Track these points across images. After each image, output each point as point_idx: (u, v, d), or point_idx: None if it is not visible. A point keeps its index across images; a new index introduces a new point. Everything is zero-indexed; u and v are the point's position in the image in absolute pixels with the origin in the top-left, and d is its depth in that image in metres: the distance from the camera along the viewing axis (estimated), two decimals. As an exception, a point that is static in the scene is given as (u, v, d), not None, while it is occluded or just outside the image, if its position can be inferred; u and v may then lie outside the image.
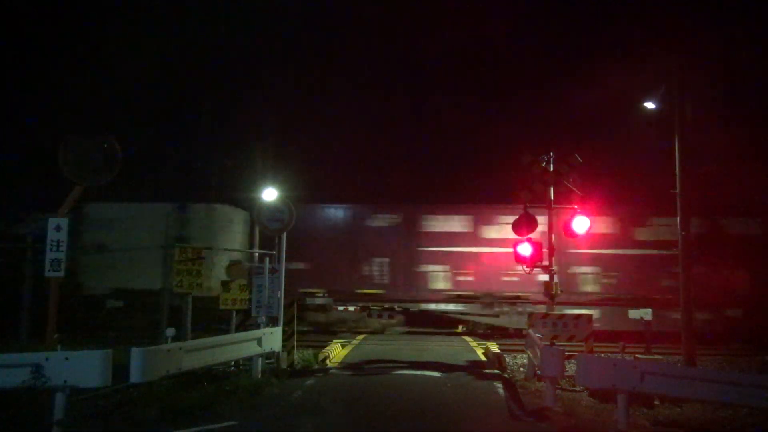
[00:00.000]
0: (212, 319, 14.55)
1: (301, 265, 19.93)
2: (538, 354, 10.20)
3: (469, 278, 20.69)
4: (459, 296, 20.63)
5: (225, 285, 12.40)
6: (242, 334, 11.38)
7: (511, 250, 14.41)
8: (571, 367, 10.68)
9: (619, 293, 19.62)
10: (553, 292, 14.11)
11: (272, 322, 12.33)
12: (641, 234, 20.21)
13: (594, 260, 20.17)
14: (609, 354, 13.80)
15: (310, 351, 14.03)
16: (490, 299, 20.23)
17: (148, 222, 19.09)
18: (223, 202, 21.19)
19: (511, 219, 14.37)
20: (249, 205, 17.19)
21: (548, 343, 11.25)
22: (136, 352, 7.91)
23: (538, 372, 10.46)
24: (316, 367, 12.93)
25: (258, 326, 12.03)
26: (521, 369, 12.98)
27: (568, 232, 14.02)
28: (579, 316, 13.35)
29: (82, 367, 7.35)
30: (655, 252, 19.34)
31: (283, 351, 12.24)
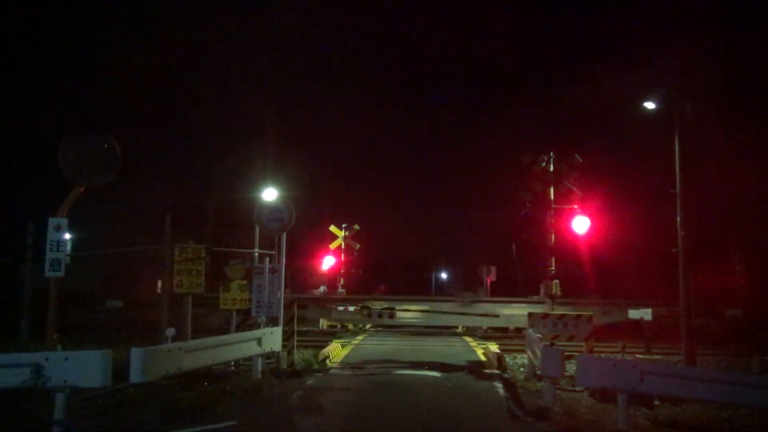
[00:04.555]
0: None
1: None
2: (538, 354, 10.20)
3: None
4: None
5: (225, 285, 12.40)
6: (242, 334, 11.38)
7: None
8: (571, 367, 10.67)
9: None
10: (553, 292, 14.13)
11: (272, 322, 12.33)
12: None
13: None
14: (609, 354, 13.80)
15: (310, 351, 14.04)
16: None
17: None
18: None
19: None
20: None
21: (548, 343, 11.25)
22: (136, 352, 7.91)
23: (538, 372, 10.46)
24: (316, 367, 12.92)
25: (258, 326, 12.04)
26: (521, 369, 12.97)
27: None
28: (579, 316, 13.35)
29: (82, 367, 7.35)
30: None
31: (283, 351, 12.23)
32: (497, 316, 21.03)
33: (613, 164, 27.48)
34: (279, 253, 12.88)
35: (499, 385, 11.20)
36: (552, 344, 10.98)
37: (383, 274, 38.68)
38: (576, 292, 22.11)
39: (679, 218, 12.24)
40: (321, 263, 29.11)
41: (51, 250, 9.62)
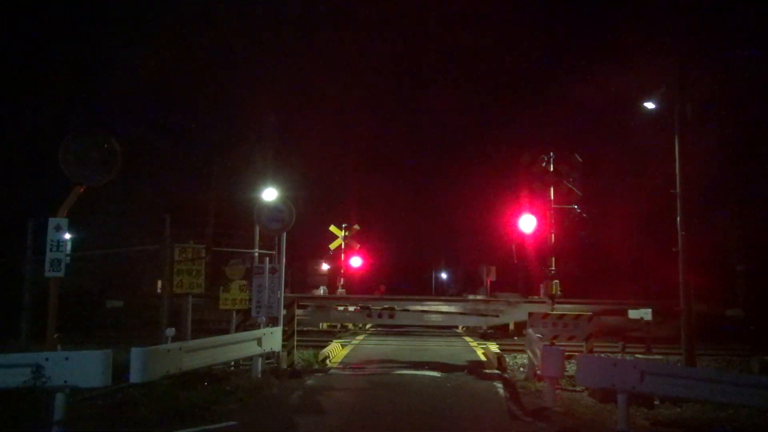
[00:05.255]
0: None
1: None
2: (538, 354, 10.20)
3: None
4: None
5: (225, 285, 12.39)
6: (242, 334, 11.38)
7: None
8: (571, 367, 10.68)
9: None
10: (553, 292, 14.13)
11: (272, 322, 12.34)
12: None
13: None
14: (609, 354, 13.80)
15: (310, 351, 14.05)
16: None
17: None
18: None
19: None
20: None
21: (548, 343, 11.26)
22: (136, 352, 7.91)
23: (538, 372, 10.46)
24: (316, 367, 12.93)
25: (258, 326, 12.04)
26: (521, 369, 12.97)
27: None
28: (579, 316, 13.35)
29: (82, 367, 7.35)
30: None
31: (283, 351, 12.24)
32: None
33: (613, 164, 27.47)
34: (279, 253, 12.88)
35: (499, 385, 11.20)
36: (552, 344, 10.98)
37: (383, 275, 38.71)
38: (577, 293, 22.14)
39: (679, 218, 12.26)
40: (322, 263, 29.18)
41: (51, 250, 9.61)
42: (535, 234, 14.58)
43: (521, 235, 14.72)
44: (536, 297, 21.03)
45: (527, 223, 14.39)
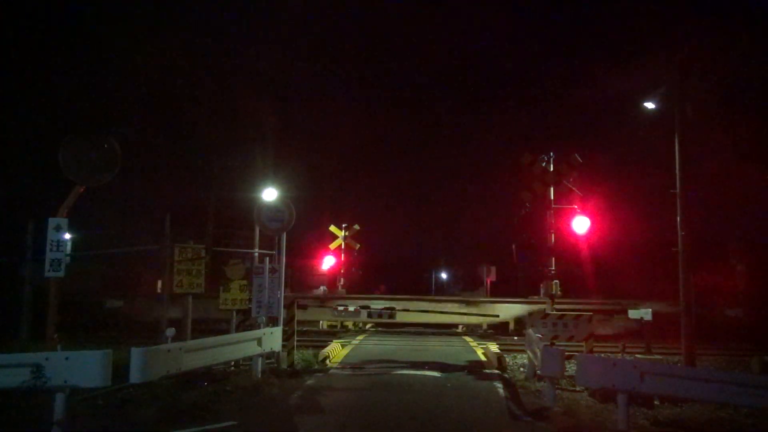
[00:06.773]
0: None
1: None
2: (538, 354, 10.20)
3: None
4: None
5: (225, 285, 12.40)
6: (242, 334, 11.39)
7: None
8: (571, 367, 10.68)
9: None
10: (553, 292, 14.11)
11: (272, 322, 12.34)
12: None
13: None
14: (609, 354, 13.80)
15: (310, 351, 14.05)
16: None
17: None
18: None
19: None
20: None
21: (548, 343, 11.25)
22: (136, 352, 7.91)
23: (538, 372, 10.46)
24: (316, 367, 12.93)
25: (258, 326, 12.04)
26: (521, 369, 12.98)
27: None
28: (579, 316, 13.34)
29: (82, 367, 7.34)
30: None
31: (283, 351, 12.24)
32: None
33: (614, 164, 27.52)
34: (279, 253, 12.89)
35: (499, 385, 11.20)
36: (552, 344, 10.97)
37: (383, 274, 38.66)
38: (577, 292, 22.16)
39: (679, 218, 12.24)
40: (321, 263, 29.09)
41: (51, 250, 9.62)
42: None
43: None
44: (536, 297, 21.04)
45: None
